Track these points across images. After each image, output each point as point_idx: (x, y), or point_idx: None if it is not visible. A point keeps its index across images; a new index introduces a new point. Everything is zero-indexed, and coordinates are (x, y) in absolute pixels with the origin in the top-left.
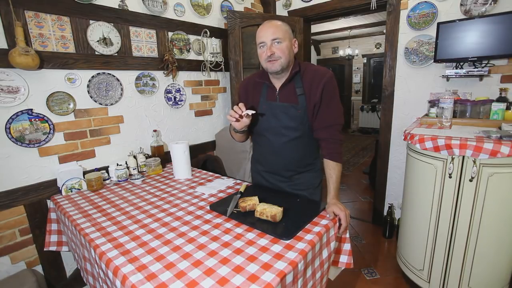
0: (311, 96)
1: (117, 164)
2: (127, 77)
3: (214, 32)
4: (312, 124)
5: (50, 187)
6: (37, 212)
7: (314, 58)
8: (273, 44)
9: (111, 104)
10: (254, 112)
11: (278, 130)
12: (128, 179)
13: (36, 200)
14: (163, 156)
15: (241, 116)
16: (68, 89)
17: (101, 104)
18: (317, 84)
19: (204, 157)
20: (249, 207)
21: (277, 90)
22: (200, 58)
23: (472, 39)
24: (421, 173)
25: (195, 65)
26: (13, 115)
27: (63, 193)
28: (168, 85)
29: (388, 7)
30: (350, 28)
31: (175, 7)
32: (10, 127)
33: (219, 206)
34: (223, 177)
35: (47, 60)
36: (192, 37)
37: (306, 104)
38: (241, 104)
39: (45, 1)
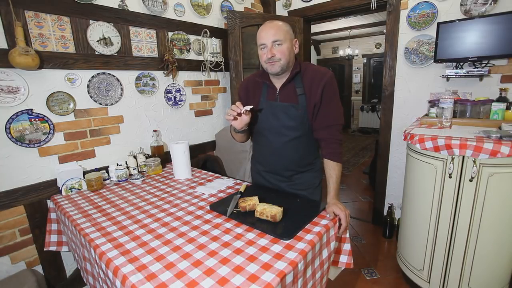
0: (311, 96)
1: (117, 164)
2: (127, 77)
3: (214, 32)
4: (312, 124)
5: (50, 187)
6: (37, 212)
7: (314, 58)
8: (274, 46)
9: (111, 104)
10: (252, 106)
11: (278, 129)
12: (128, 179)
13: (36, 200)
14: (163, 156)
15: (239, 114)
16: (68, 89)
17: (101, 104)
18: (318, 84)
19: (204, 157)
20: (249, 207)
21: (277, 90)
22: (200, 58)
23: (472, 39)
24: (421, 173)
25: (195, 65)
26: (13, 115)
27: (63, 193)
28: (168, 85)
29: (388, 7)
30: (350, 28)
31: (175, 7)
32: (10, 127)
33: (219, 206)
34: (223, 177)
35: (47, 60)
36: (192, 37)
37: (306, 104)
38: (238, 103)
39: (45, 1)
